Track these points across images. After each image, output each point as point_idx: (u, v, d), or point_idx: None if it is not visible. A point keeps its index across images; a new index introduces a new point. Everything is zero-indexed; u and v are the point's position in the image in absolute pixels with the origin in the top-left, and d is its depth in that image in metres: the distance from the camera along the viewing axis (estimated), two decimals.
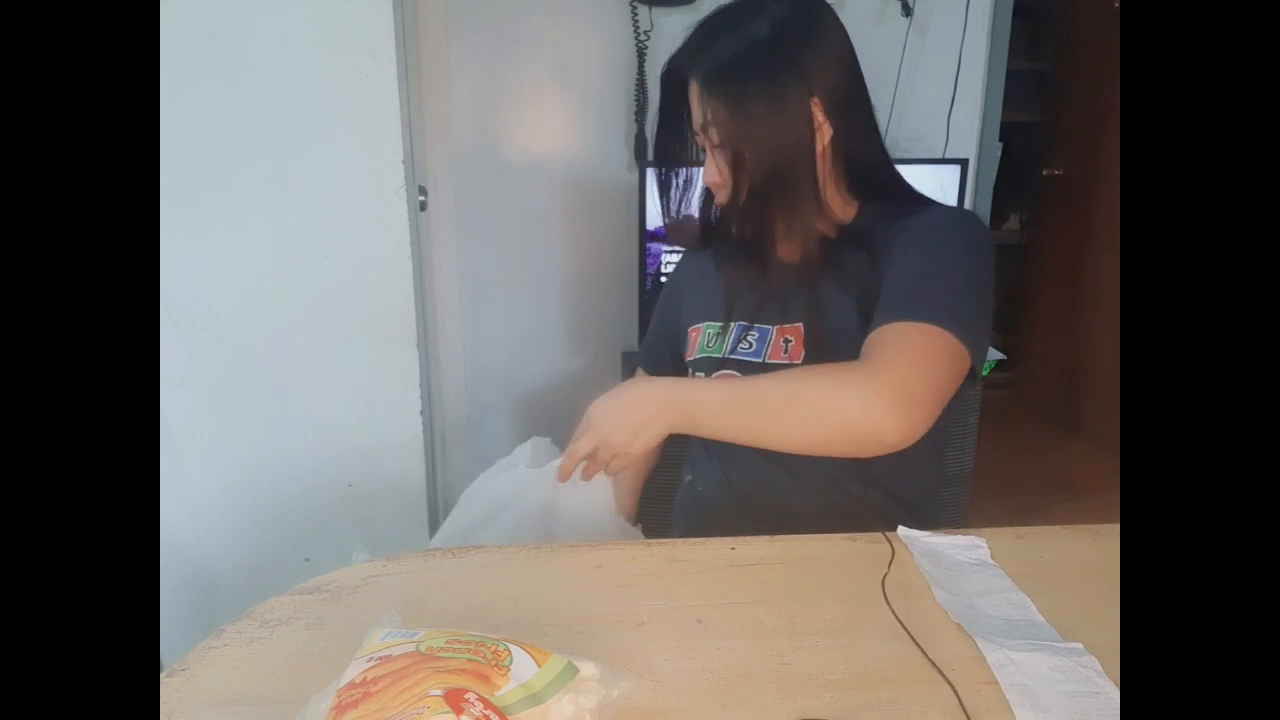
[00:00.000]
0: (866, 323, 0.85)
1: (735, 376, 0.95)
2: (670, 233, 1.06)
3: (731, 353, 0.96)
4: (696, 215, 1.03)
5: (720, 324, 0.99)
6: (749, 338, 0.96)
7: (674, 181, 1.00)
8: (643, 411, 0.81)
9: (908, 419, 0.75)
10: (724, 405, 0.80)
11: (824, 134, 0.88)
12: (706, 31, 0.88)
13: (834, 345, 0.89)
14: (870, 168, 0.93)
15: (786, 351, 0.93)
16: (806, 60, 0.86)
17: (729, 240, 1.01)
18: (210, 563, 1.52)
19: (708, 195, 0.99)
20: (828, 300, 0.91)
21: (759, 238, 0.94)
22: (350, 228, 1.41)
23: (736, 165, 0.87)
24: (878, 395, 0.75)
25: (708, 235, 1.04)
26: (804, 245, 0.94)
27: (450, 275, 2.11)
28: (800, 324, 0.93)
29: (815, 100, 0.86)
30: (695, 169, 0.98)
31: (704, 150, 0.92)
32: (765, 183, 0.87)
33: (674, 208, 1.01)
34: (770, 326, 0.95)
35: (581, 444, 0.83)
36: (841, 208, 0.94)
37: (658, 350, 1.14)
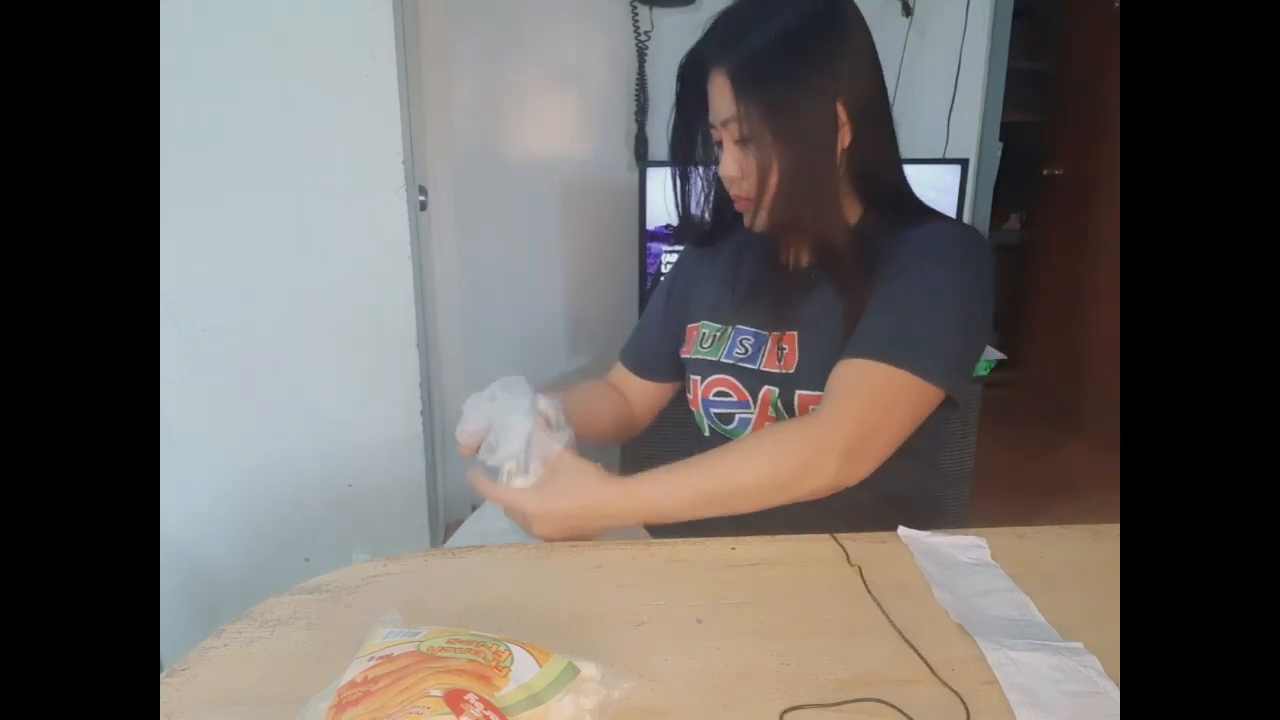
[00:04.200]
0: None
1: (729, 384, 0.95)
2: (679, 229, 1.04)
3: (725, 356, 0.96)
4: (706, 211, 1.01)
5: (720, 326, 0.98)
6: (743, 342, 0.95)
7: (690, 178, 0.98)
8: (597, 523, 0.80)
9: (854, 468, 0.81)
10: (681, 499, 0.80)
11: (844, 136, 0.87)
12: (733, 22, 0.86)
13: (827, 357, 0.88)
14: (882, 175, 0.92)
15: (781, 360, 0.92)
16: (835, 59, 0.85)
17: (736, 239, 1.00)
18: (210, 563, 1.52)
19: (718, 192, 0.98)
20: (825, 310, 0.91)
21: (770, 237, 0.93)
22: (350, 228, 1.41)
23: (760, 161, 0.86)
24: (826, 452, 0.79)
25: (716, 232, 1.03)
26: (809, 250, 0.94)
27: (450, 275, 2.11)
28: (796, 332, 0.92)
29: (840, 101, 0.85)
30: (710, 165, 0.97)
31: (718, 145, 0.90)
32: (787, 181, 0.86)
33: (693, 204, 0.99)
34: (766, 332, 0.94)
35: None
36: (848, 209, 0.93)
37: (646, 345, 1.11)
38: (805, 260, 0.95)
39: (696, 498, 0.79)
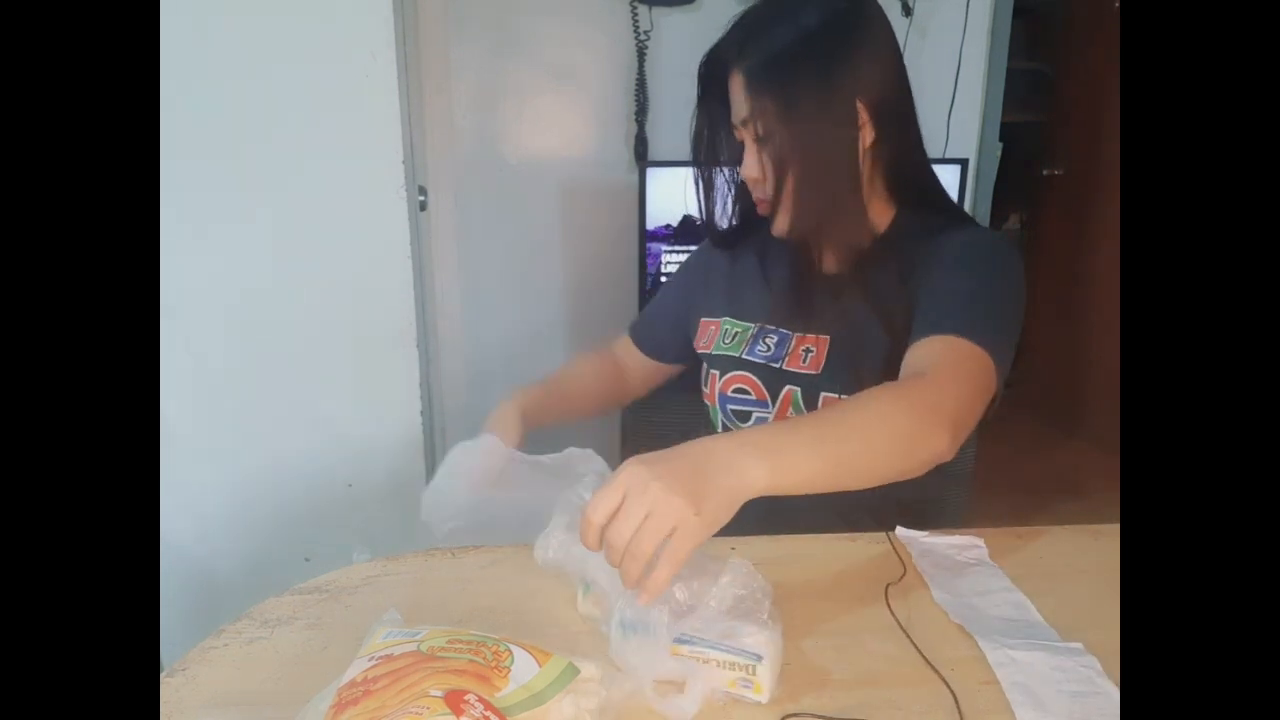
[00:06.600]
0: (891, 340, 0.85)
1: (749, 381, 0.94)
2: (705, 230, 1.04)
3: (748, 354, 0.95)
4: (731, 212, 1.01)
5: (746, 324, 0.98)
6: (767, 341, 0.95)
7: (713, 179, 0.97)
8: (728, 478, 0.59)
9: (955, 442, 0.71)
10: (811, 450, 0.64)
11: (866, 136, 0.87)
12: (753, 22, 0.86)
13: (859, 361, 0.88)
14: (910, 174, 0.92)
15: (805, 361, 0.91)
16: (855, 58, 0.84)
17: (765, 239, 0.99)
18: (210, 563, 1.52)
19: (740, 192, 0.98)
20: (857, 314, 0.90)
21: (796, 239, 0.92)
22: (350, 228, 1.41)
23: (778, 162, 0.85)
24: (939, 421, 0.69)
25: (740, 233, 1.02)
26: (838, 252, 0.92)
27: (450, 275, 2.11)
28: (824, 336, 0.91)
29: (861, 101, 0.85)
30: (733, 165, 0.96)
31: (740, 145, 0.90)
32: (804, 182, 0.85)
33: (716, 206, 0.99)
34: (791, 333, 0.94)
35: (642, 530, 0.55)
36: (879, 212, 0.92)
37: (656, 329, 1.12)
38: (833, 263, 0.94)
39: (817, 442, 0.64)
